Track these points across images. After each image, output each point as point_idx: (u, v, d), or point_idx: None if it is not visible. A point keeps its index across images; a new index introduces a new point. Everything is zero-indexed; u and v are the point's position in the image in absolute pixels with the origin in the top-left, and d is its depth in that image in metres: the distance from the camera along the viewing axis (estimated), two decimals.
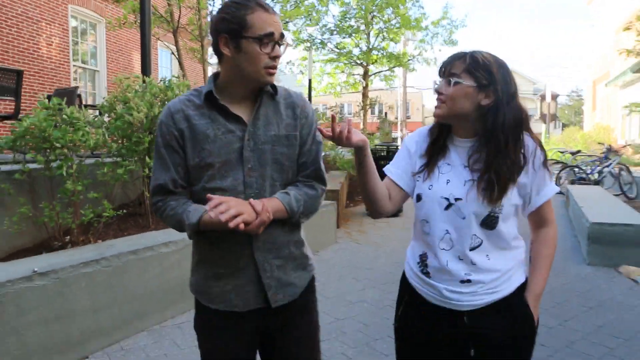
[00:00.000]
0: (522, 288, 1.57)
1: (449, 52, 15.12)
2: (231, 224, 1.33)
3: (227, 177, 1.51)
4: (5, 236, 3.59)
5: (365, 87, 16.07)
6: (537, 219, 1.60)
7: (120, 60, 11.90)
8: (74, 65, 10.52)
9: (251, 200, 1.43)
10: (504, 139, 1.45)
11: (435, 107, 1.54)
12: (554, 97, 27.71)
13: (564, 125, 47.99)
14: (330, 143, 11.89)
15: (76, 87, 6.66)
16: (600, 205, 6.60)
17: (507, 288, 1.54)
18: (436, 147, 1.59)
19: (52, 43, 9.81)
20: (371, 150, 8.52)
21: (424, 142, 1.64)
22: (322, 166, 1.65)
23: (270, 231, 1.52)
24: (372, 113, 29.26)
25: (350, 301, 4.28)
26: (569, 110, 62.97)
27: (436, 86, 1.52)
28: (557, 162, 12.25)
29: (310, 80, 14.28)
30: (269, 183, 1.55)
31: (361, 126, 15.99)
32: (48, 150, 3.37)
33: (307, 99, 1.69)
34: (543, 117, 29.45)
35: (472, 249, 1.51)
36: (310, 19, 12.58)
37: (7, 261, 3.33)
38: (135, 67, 12.39)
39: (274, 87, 1.58)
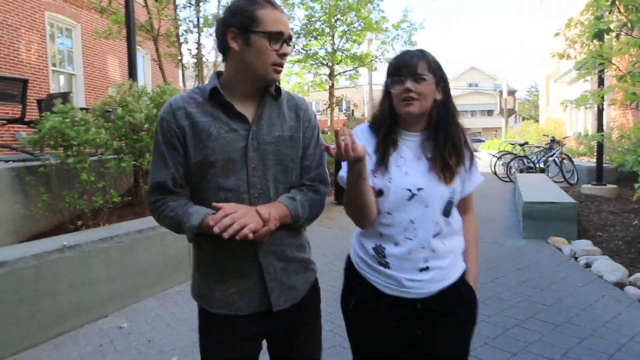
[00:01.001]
0: (464, 274, 1.71)
1: None
2: (238, 237, 1.32)
3: (230, 177, 1.48)
4: (30, 221, 4.24)
5: (332, 87, 16.93)
6: (465, 206, 1.76)
7: (96, 64, 12.34)
8: (52, 70, 10.94)
9: (258, 208, 1.41)
10: (452, 129, 1.62)
11: (406, 105, 1.57)
12: (512, 92, 29.06)
13: (524, 119, 50.02)
14: None
15: (68, 92, 7.22)
16: (537, 189, 7.58)
17: (454, 274, 1.66)
18: (387, 143, 1.63)
19: (31, 49, 10.21)
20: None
21: (371, 138, 1.67)
22: (326, 169, 1.66)
23: (275, 234, 1.48)
24: (340, 110, 30.15)
25: (321, 271, 5.06)
26: (529, 105, 65.37)
27: (406, 83, 1.56)
28: (508, 153, 13.35)
29: (278, 82, 15.00)
30: (273, 184, 1.52)
31: (328, 123, 16.86)
32: (65, 148, 4.03)
33: (307, 103, 1.69)
34: (502, 112, 30.89)
35: (434, 236, 1.60)
36: None
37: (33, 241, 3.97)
38: (110, 69, 12.85)
39: (277, 88, 1.57)
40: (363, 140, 1.64)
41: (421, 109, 1.58)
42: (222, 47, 1.50)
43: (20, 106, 5.41)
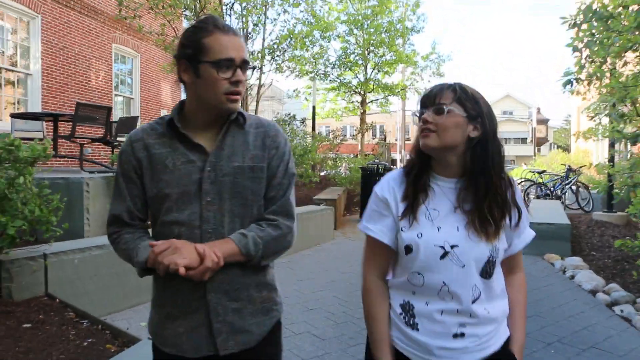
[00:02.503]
0: (507, 342, 1.47)
1: (436, 82, 16.99)
2: (170, 271, 1.28)
3: (185, 210, 1.41)
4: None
5: (363, 113, 18.06)
6: (512, 265, 1.52)
7: (151, 90, 13.83)
8: (115, 94, 12.44)
9: (197, 245, 1.33)
10: (494, 174, 1.38)
11: (423, 137, 1.40)
12: (544, 121, 29.47)
13: (559, 148, 49.86)
14: (330, 161, 13.73)
15: (137, 117, 8.52)
16: (543, 212, 8.36)
17: (495, 343, 1.43)
18: (417, 187, 1.43)
19: (99, 76, 11.72)
20: (364, 167, 10.19)
21: (402, 184, 1.47)
22: (291, 200, 1.54)
23: (227, 271, 1.40)
24: (374, 136, 31.17)
25: (343, 272, 6.05)
26: (565, 134, 64.95)
27: (424, 114, 1.40)
28: (527, 180, 14.03)
29: (314, 107, 16.27)
30: (229, 218, 1.43)
31: (359, 147, 17.93)
32: None
33: (280, 128, 1.58)
34: (536, 140, 31.29)
35: (473, 302, 1.38)
36: (313, 58, 14.43)
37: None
38: (163, 95, 14.32)
39: (242, 115, 1.49)
40: (392, 189, 1.47)
41: (440, 143, 1.37)
42: (179, 79, 1.45)
43: (104, 128, 6.67)
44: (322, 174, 13.06)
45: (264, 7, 11.06)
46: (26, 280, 3.72)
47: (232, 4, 10.78)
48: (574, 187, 12.22)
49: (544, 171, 14.19)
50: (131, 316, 4.30)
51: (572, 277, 5.86)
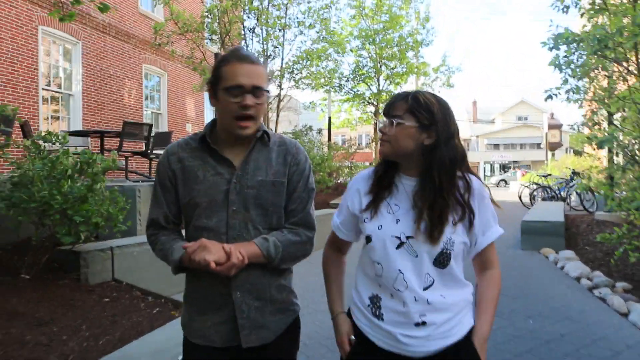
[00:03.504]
0: (471, 332, 1.53)
1: (447, 93, 17.86)
2: (203, 264, 1.43)
3: (213, 217, 1.56)
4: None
5: (376, 123, 18.88)
6: (482, 261, 1.60)
7: (177, 105, 14.84)
8: (144, 110, 13.46)
9: (224, 244, 1.48)
10: (438, 178, 1.46)
11: (381, 145, 1.54)
12: (557, 126, 29.78)
13: (575, 152, 49.82)
14: (346, 169, 14.54)
15: (171, 132, 9.45)
16: (543, 212, 9.05)
17: (458, 332, 1.51)
18: (382, 185, 1.57)
19: (131, 94, 12.76)
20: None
21: (369, 180, 1.61)
22: (312, 213, 1.68)
23: (250, 272, 1.55)
24: None
25: (354, 264, 6.83)
26: (582, 139, 64.66)
27: (380, 125, 1.53)
28: (535, 184, 14.67)
29: (329, 118, 17.16)
30: (252, 226, 1.58)
31: (373, 156, 18.74)
32: None
33: (301, 146, 1.72)
34: (548, 145, 31.66)
35: (425, 289, 1.47)
36: (328, 73, 15.30)
37: None
38: (188, 109, 15.34)
39: (267, 133, 1.63)
40: (360, 181, 1.64)
41: (393, 151, 1.51)
42: (210, 102, 1.64)
43: (144, 142, 7.61)
44: (338, 181, 13.89)
45: (282, 31, 12.00)
46: (97, 268, 4.59)
47: (254, 28, 11.75)
48: (578, 190, 12.83)
49: (549, 175, 14.82)
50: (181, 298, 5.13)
51: (562, 267, 6.56)
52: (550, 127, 28.38)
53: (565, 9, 5.76)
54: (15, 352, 2.94)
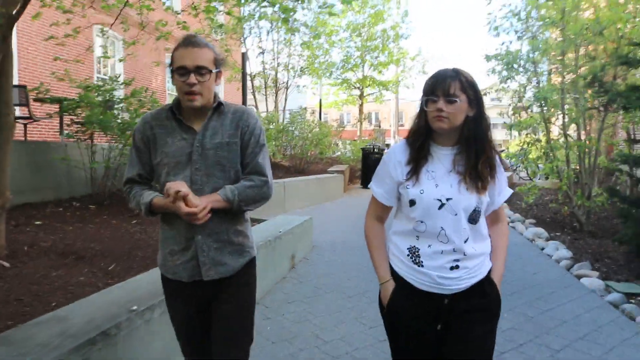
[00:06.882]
0: (489, 272, 1.83)
1: (422, 79, 20.68)
2: (177, 194, 1.72)
3: (179, 174, 1.86)
4: None
5: (361, 105, 21.63)
6: (495, 217, 1.90)
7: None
8: (169, 94, 15.82)
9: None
10: (480, 145, 1.72)
11: (437, 121, 1.69)
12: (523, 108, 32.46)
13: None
14: (335, 145, 17.24)
15: None
16: None
17: (482, 273, 1.80)
18: (420, 155, 1.76)
19: (158, 80, 15.08)
20: (364, 148, 14.04)
21: (406, 150, 1.80)
22: (261, 163, 1.93)
23: (212, 218, 1.81)
24: (370, 122, 34.60)
25: (349, 214, 9.57)
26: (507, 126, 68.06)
27: (438, 103, 1.68)
28: None
29: (320, 100, 19.84)
30: (213, 180, 1.87)
31: (358, 133, 21.51)
32: None
33: (253, 112, 2.00)
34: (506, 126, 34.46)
35: (465, 241, 1.72)
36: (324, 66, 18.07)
37: None
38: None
39: (221, 104, 1.91)
40: (398, 154, 1.82)
41: (451, 126, 1.69)
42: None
43: None
44: (333, 154, 16.66)
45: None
46: None
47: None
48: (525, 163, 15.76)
49: (502, 151, 17.74)
50: None
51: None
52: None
53: (497, 34, 8.71)
54: None
